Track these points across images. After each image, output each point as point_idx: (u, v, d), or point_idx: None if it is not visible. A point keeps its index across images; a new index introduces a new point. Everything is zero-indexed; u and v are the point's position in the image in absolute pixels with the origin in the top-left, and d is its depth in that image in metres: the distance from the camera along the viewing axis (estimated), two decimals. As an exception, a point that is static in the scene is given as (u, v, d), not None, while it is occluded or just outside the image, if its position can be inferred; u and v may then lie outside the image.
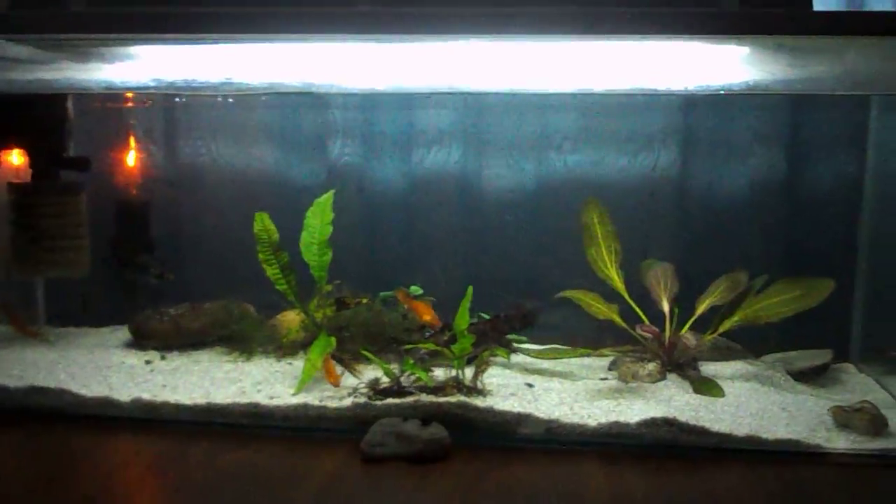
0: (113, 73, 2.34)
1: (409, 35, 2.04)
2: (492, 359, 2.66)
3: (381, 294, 2.77)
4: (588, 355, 2.54)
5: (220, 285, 3.08)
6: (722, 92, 2.30)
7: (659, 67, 2.11)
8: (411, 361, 2.28)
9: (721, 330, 2.55)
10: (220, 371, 2.60)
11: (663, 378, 2.51)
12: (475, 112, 3.06)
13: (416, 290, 2.80)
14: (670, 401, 2.32)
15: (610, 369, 2.68)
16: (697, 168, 2.98)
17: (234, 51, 2.22)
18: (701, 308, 2.59)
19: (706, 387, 2.41)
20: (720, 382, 2.49)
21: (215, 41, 2.14)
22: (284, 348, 2.61)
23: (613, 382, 2.51)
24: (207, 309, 2.81)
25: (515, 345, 2.82)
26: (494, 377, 2.53)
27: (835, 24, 2.01)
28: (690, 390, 2.43)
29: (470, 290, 2.33)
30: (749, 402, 2.33)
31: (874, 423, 2.12)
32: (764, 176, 2.91)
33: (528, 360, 2.70)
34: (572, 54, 2.14)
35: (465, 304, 2.29)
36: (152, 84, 2.30)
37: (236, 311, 2.73)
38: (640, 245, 2.93)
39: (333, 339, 2.53)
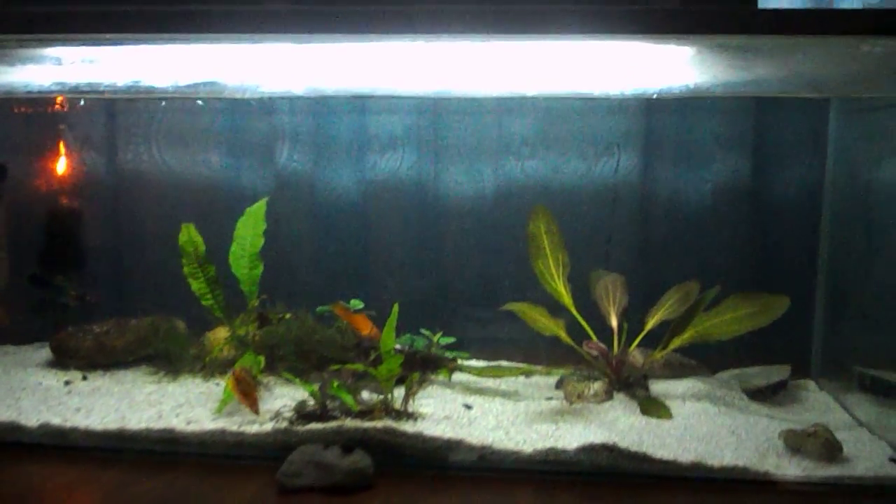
0: (16, 76, 2.18)
1: (331, 34, 1.89)
2: (434, 377, 2.53)
3: (319, 308, 2.62)
4: (531, 373, 2.38)
5: (155, 299, 2.92)
6: (655, 96, 2.17)
7: (596, 69, 1.97)
8: (336, 383, 2.13)
9: (671, 348, 2.41)
10: (142, 393, 2.45)
11: (610, 398, 2.37)
12: (420, 116, 2.91)
13: (356, 304, 2.65)
14: (614, 424, 2.18)
15: (557, 388, 2.54)
16: (654, 174, 2.84)
17: (147, 51, 2.06)
18: (650, 323, 2.45)
19: (653, 408, 2.27)
20: (670, 402, 2.35)
21: (123, 42, 1.99)
22: (212, 368, 2.45)
23: (557, 403, 2.36)
24: (133, 325, 2.65)
25: (460, 362, 2.67)
26: (432, 398, 2.39)
27: (781, 23, 1.88)
28: (638, 411, 2.29)
29: (396, 307, 2.18)
30: (698, 425, 2.19)
31: (827, 448, 1.98)
32: (724, 183, 2.78)
33: (473, 378, 2.56)
34: (507, 56, 1.99)
35: (391, 322, 2.14)
36: (55, 87, 2.15)
37: (163, 328, 2.56)
38: (598, 254, 2.80)
39: (261, 359, 2.38)
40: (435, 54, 1.92)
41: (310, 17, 1.90)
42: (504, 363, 2.79)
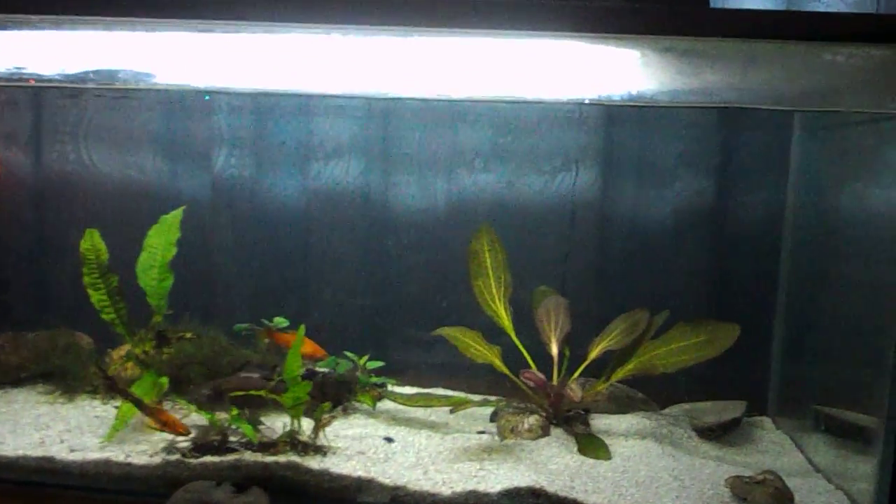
0: None
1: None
2: (357, 405, 2.31)
3: (237, 327, 2.39)
4: (461, 405, 2.16)
5: (69, 312, 2.67)
6: (586, 101, 1.99)
7: (529, 72, 1.77)
8: (235, 411, 1.90)
9: (613, 379, 2.20)
10: (31, 415, 2.21)
11: (546, 434, 2.16)
12: (371, 121, 2.70)
13: (280, 321, 2.42)
14: (546, 464, 1.97)
15: (492, 420, 2.33)
16: (607, 193, 2.64)
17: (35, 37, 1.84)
18: (593, 353, 2.25)
19: (591, 447, 2.06)
20: (611, 440, 2.14)
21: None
22: (109, 389, 2.20)
23: (489, 438, 2.15)
24: (31, 340, 2.40)
25: (390, 387, 2.45)
26: (352, 428, 2.17)
27: (734, 25, 1.69)
28: (575, 449, 2.08)
29: (302, 329, 1.96)
30: (638, 467, 1.98)
31: (777, 498, 1.79)
32: (679, 204, 2.59)
33: (402, 407, 2.33)
34: (430, 55, 1.79)
35: (297, 345, 1.92)
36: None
37: (62, 343, 2.32)
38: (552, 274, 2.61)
39: (164, 380, 2.14)
40: (349, 48, 1.72)
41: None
42: (439, 391, 2.57)
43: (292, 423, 1.94)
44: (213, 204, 2.71)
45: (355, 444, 2.04)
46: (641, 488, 1.86)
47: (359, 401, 2.27)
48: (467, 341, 2.27)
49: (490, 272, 2.36)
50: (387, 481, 1.83)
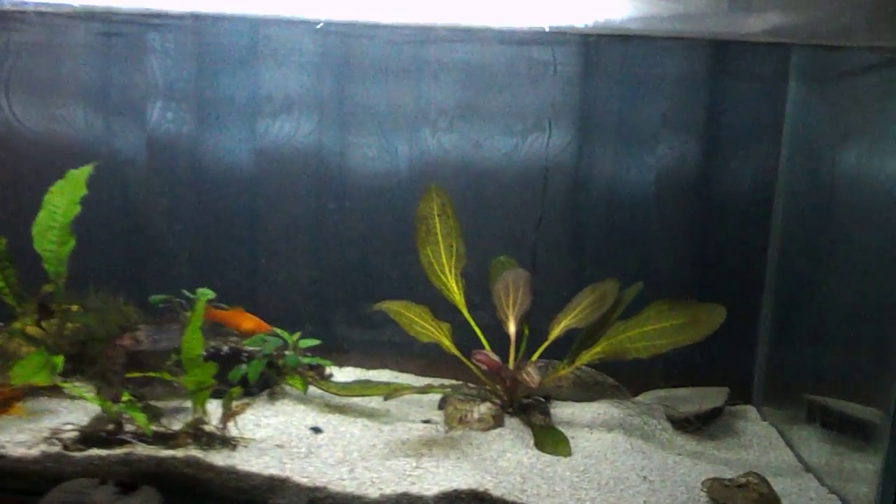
0: None
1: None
2: (288, 389, 2.02)
3: (153, 299, 2.08)
4: (397, 392, 1.87)
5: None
6: (546, 29, 1.68)
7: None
8: (127, 396, 1.60)
9: (579, 363, 1.92)
10: None
11: (499, 424, 1.88)
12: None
13: (205, 294, 2.11)
14: (496, 460, 1.69)
15: (441, 408, 2.04)
16: (585, 154, 2.35)
17: None
18: (555, 331, 1.96)
19: (549, 440, 1.78)
20: (574, 432, 1.87)
21: None
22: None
23: (433, 429, 1.86)
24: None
25: (328, 370, 2.16)
26: (277, 416, 1.88)
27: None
28: (531, 443, 1.80)
29: (203, 300, 1.66)
30: (602, 466, 1.70)
31: (762, 504, 1.51)
32: (664, 168, 2.30)
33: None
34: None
35: (196, 320, 1.62)
36: None
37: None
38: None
39: (59, 359, 1.84)
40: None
41: None
42: (385, 375, 2.29)
43: (195, 411, 1.65)
44: (144, 162, 2.40)
45: (276, 436, 1.75)
46: (604, 491, 1.58)
47: (288, 384, 1.97)
48: (411, 317, 1.98)
49: (440, 239, 2.07)
50: (304, 481, 1.55)
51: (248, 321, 2.10)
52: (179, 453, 1.58)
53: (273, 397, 2.01)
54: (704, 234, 2.28)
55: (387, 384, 1.95)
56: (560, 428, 1.88)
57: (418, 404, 2.09)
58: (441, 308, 2.06)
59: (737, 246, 2.29)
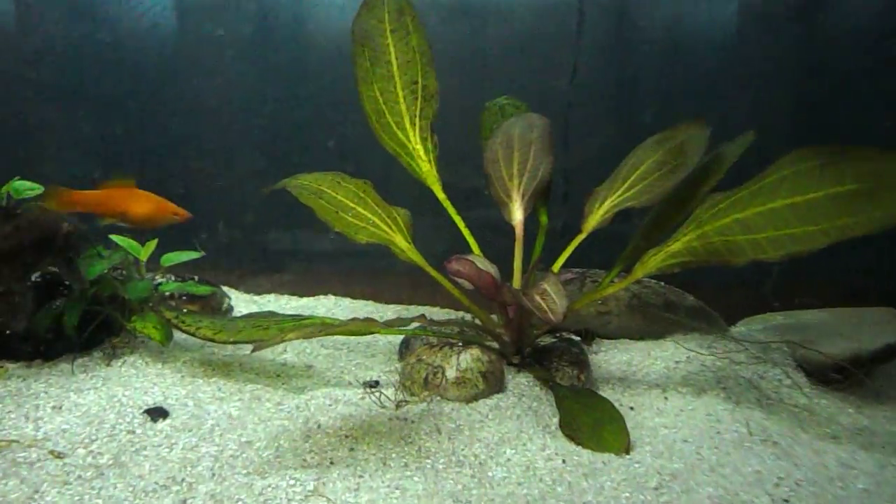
0: None
1: None
2: (133, 333, 1.19)
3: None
4: (316, 332, 1.01)
5: None
6: None
7: None
8: None
9: (640, 274, 1.03)
10: None
11: (495, 388, 1.03)
12: None
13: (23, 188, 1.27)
14: (482, 469, 0.84)
15: (401, 358, 1.19)
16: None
17: None
18: (595, 217, 1.09)
19: (585, 420, 0.94)
20: (632, 399, 1.01)
21: None
22: None
23: (378, 402, 1.01)
24: None
25: (228, 303, 1.33)
26: (96, 390, 1.06)
27: None
28: (552, 425, 0.94)
29: None
30: (691, 478, 0.84)
31: None
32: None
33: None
34: None
35: None
36: None
37: None
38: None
39: None
40: None
41: None
42: (326, 303, 1.45)
43: None
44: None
45: (72, 431, 0.92)
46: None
47: (137, 330, 1.13)
48: (336, 198, 1.11)
49: (395, 71, 1.18)
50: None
51: (141, 202, 1.24)
52: None
53: (112, 354, 1.17)
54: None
55: (298, 319, 1.09)
56: (606, 393, 1.01)
57: (366, 353, 1.24)
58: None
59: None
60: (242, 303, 1.49)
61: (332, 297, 1.54)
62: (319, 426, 0.96)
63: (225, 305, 1.36)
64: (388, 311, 1.48)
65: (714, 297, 1.33)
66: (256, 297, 1.53)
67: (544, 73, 1.61)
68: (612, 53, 1.60)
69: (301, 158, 1.53)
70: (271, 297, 1.53)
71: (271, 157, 1.57)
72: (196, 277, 1.36)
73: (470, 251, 1.17)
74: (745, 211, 0.95)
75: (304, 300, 1.52)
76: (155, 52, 1.66)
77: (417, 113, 1.21)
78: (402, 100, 1.22)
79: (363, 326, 0.95)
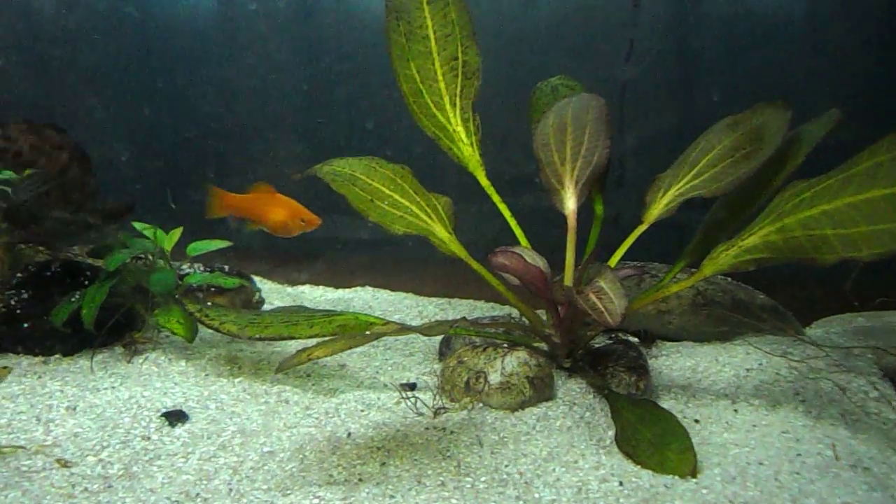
0: None
1: None
2: (153, 330, 1.13)
3: None
4: (350, 336, 0.92)
5: None
6: None
7: None
8: None
9: (709, 272, 0.92)
10: None
11: (544, 395, 0.93)
12: None
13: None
14: (529, 489, 0.74)
15: (442, 357, 1.10)
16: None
17: None
18: (658, 206, 0.97)
19: (646, 436, 0.82)
20: (698, 411, 0.90)
21: None
22: None
23: (415, 407, 0.92)
24: None
25: (258, 295, 1.25)
26: (115, 390, 0.99)
27: None
28: (608, 437, 0.84)
29: None
30: (778, 500, 0.72)
31: None
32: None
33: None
34: None
35: None
36: None
37: None
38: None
39: None
40: None
41: None
42: (363, 295, 1.36)
43: None
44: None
45: (84, 436, 0.86)
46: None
47: (160, 325, 1.06)
48: (371, 185, 1.02)
49: (433, 47, 1.09)
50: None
51: (277, 208, 1.16)
52: None
53: (133, 350, 1.10)
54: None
55: (330, 315, 1.01)
56: (668, 402, 0.91)
57: (404, 351, 1.15)
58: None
59: None
60: (275, 294, 1.42)
61: (369, 289, 1.45)
62: (349, 435, 0.87)
63: (256, 298, 1.28)
64: (430, 305, 1.39)
65: (785, 293, 1.21)
66: (290, 289, 1.46)
67: (599, 49, 1.50)
68: (672, 27, 1.48)
69: (340, 141, 1.45)
70: (306, 287, 1.46)
71: (308, 140, 1.48)
72: (227, 267, 1.29)
73: (517, 243, 1.07)
74: (834, 202, 0.83)
75: (340, 292, 1.44)
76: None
77: (458, 92, 1.11)
78: (440, 77, 1.12)
79: (396, 331, 0.86)
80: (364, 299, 1.40)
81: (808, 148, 0.94)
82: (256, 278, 1.42)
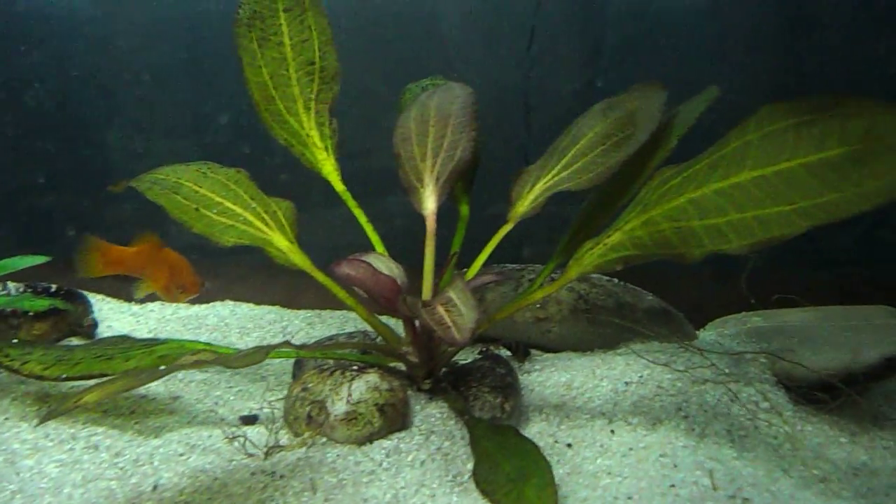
0: None
1: None
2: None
3: None
4: (171, 369, 0.78)
5: None
6: None
7: None
8: None
9: (579, 270, 0.81)
10: None
11: (398, 424, 0.80)
12: None
13: None
14: None
15: (296, 380, 0.96)
16: None
17: None
18: (524, 202, 0.86)
19: (502, 470, 0.70)
20: (569, 435, 0.80)
21: None
22: None
23: (249, 444, 0.78)
24: None
25: (89, 316, 1.10)
26: None
27: None
28: (465, 470, 0.71)
29: None
30: None
31: None
32: None
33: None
34: None
35: None
36: None
37: None
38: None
39: None
40: None
41: None
42: (219, 311, 1.22)
43: None
44: None
45: None
46: None
47: None
48: (201, 194, 0.88)
49: (288, 52, 0.96)
50: None
51: (158, 270, 0.98)
52: None
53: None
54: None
55: (152, 346, 0.86)
56: (539, 425, 0.80)
57: (254, 375, 1.01)
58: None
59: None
60: (117, 315, 1.25)
61: (229, 304, 1.31)
62: (155, 488, 0.73)
63: (87, 321, 1.12)
64: (296, 320, 1.26)
65: (678, 291, 1.11)
66: (136, 308, 1.30)
67: (499, 40, 1.39)
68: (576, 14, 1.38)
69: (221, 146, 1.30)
70: (155, 305, 1.30)
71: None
72: (54, 286, 1.12)
73: (373, 249, 0.94)
74: (702, 189, 0.72)
75: (196, 308, 1.29)
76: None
77: (313, 96, 0.99)
78: (295, 83, 0.99)
79: (193, 364, 0.71)
80: (221, 315, 1.25)
81: (680, 130, 0.84)
82: (99, 296, 1.26)
